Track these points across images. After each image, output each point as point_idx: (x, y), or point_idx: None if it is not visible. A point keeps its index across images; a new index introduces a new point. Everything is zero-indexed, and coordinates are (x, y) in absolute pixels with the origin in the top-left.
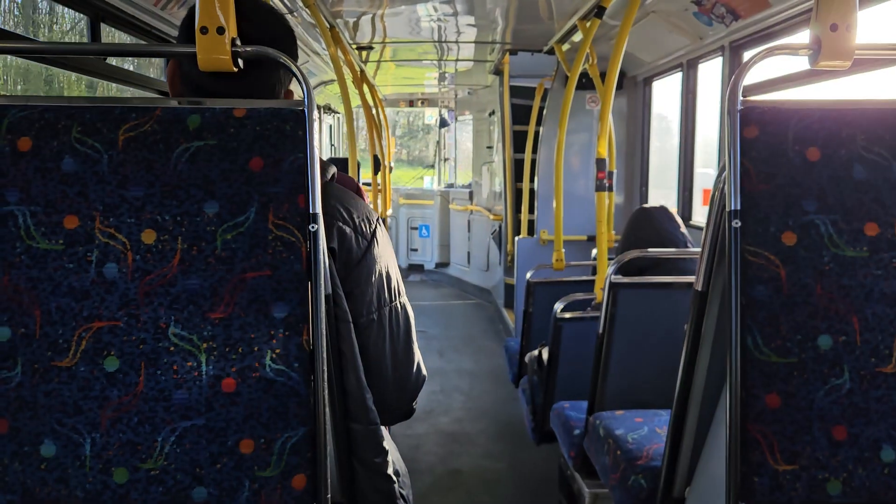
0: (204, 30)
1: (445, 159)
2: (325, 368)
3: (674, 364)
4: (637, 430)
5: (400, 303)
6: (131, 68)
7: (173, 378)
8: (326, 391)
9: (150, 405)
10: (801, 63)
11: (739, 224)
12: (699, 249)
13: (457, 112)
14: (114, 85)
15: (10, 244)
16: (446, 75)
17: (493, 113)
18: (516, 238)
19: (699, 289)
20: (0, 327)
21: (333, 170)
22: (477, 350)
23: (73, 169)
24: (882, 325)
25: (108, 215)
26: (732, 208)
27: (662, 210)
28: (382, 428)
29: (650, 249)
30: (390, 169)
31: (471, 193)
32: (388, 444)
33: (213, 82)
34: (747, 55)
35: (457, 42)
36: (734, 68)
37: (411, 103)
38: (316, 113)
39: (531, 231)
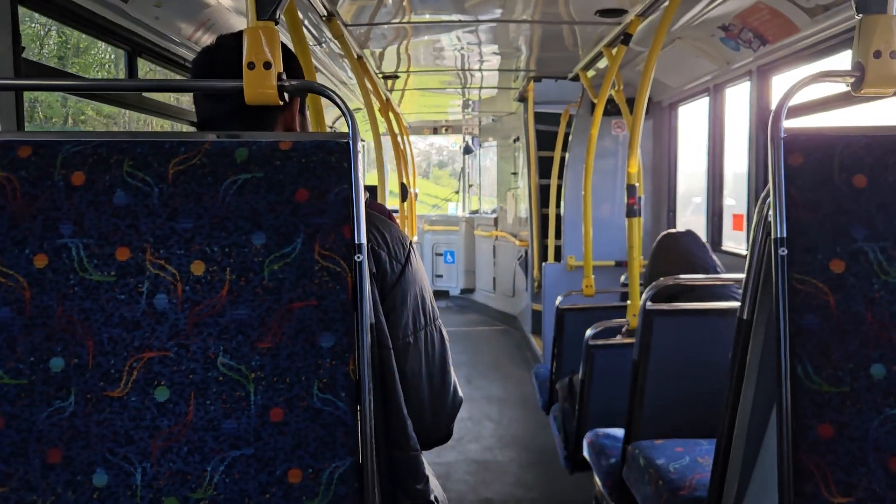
0: (251, 65)
1: (470, 185)
2: (371, 398)
3: (711, 392)
4: (679, 460)
5: (435, 326)
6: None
7: (222, 408)
8: (373, 420)
9: (200, 434)
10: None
11: (786, 252)
12: (736, 276)
13: (481, 138)
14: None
15: (65, 276)
16: (470, 102)
17: (517, 139)
18: (543, 264)
19: (744, 317)
20: (54, 358)
21: (367, 195)
22: (505, 377)
23: (125, 202)
24: None
25: (158, 247)
26: (778, 236)
27: (689, 234)
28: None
29: (686, 276)
30: (415, 196)
31: (496, 219)
32: (427, 470)
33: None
34: (777, 78)
35: (480, 70)
36: (762, 92)
37: (435, 130)
38: (360, 144)
39: (558, 257)
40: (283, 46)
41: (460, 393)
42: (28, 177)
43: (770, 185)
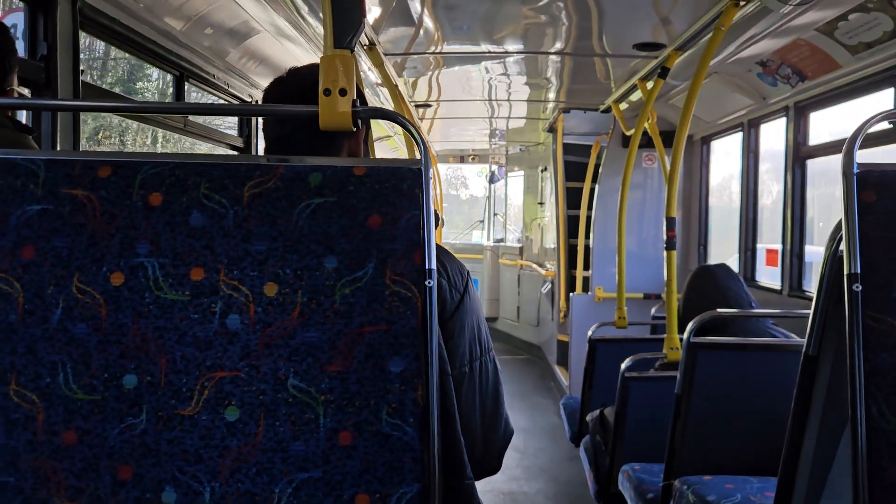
0: (327, 91)
1: (495, 214)
2: (438, 424)
3: (758, 428)
4: (730, 497)
5: (490, 357)
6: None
7: (291, 429)
8: (439, 447)
9: (269, 455)
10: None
11: (860, 288)
12: (775, 311)
13: (507, 168)
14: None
15: (140, 294)
16: (497, 131)
17: (545, 169)
18: (571, 294)
19: (810, 353)
20: (128, 375)
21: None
22: (531, 407)
23: (201, 223)
24: None
25: (232, 268)
26: (852, 272)
27: (724, 268)
28: None
29: (726, 310)
30: (443, 223)
31: (521, 248)
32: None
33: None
34: (815, 115)
35: (509, 100)
36: (798, 129)
37: (462, 159)
38: (432, 171)
39: (585, 288)
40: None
41: (511, 425)
42: (108, 196)
43: (843, 220)
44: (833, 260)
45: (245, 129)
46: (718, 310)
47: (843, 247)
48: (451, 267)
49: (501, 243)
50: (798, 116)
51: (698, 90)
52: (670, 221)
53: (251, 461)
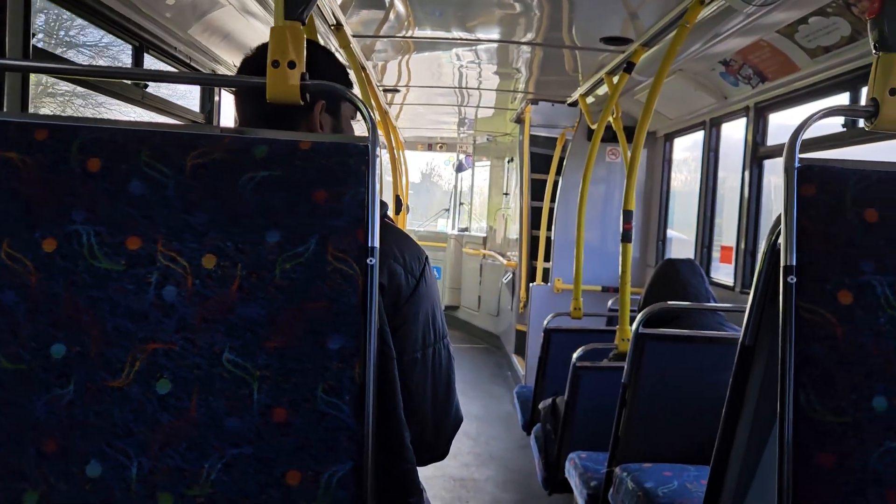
0: (275, 63)
1: (461, 203)
2: (374, 403)
3: (699, 418)
4: (667, 485)
5: (444, 343)
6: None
7: (225, 405)
8: (374, 426)
9: (201, 431)
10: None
11: (795, 280)
12: (726, 305)
13: (474, 157)
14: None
15: (73, 262)
16: (466, 120)
17: (511, 160)
18: (531, 285)
19: (746, 343)
20: (56, 344)
21: (386, 207)
22: (486, 395)
23: (141, 192)
24: None
25: (171, 239)
26: (788, 264)
27: (688, 263)
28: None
29: (677, 302)
30: (408, 209)
31: (485, 238)
32: (422, 485)
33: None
34: (775, 116)
35: (479, 89)
36: (758, 129)
37: (430, 147)
38: (378, 149)
39: (545, 279)
40: (342, 66)
41: (461, 411)
42: (44, 160)
43: (782, 213)
44: (771, 252)
45: (207, 104)
46: (668, 302)
47: (781, 240)
48: (409, 252)
49: (466, 232)
50: (757, 117)
51: (661, 86)
52: (627, 215)
53: (182, 436)
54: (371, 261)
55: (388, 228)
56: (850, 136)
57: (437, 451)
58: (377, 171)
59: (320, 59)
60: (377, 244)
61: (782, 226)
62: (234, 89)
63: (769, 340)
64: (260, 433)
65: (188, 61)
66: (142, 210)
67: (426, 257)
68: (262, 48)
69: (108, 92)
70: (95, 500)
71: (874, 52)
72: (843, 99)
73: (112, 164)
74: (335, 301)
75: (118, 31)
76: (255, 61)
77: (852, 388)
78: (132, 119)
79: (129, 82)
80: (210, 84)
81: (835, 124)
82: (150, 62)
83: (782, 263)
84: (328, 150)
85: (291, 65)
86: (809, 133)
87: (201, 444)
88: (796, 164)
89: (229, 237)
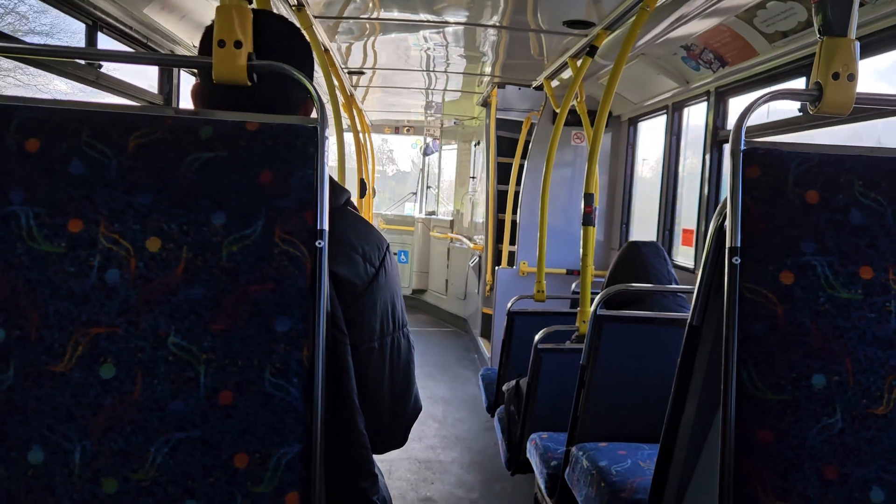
0: (221, 43)
1: (428, 187)
2: (323, 386)
3: (656, 399)
4: (621, 463)
5: (403, 333)
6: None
7: (170, 388)
8: (323, 409)
9: (145, 415)
10: (782, 112)
11: (739, 261)
12: (683, 286)
13: (441, 141)
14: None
15: (11, 245)
16: (433, 104)
17: (478, 143)
18: (496, 268)
19: (693, 323)
20: None
21: (348, 194)
22: (452, 378)
23: (81, 172)
24: (874, 367)
25: (113, 220)
26: (733, 245)
27: (652, 246)
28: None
29: (635, 284)
30: (374, 193)
31: (452, 222)
32: (377, 470)
33: (228, 95)
34: (735, 100)
35: (446, 72)
36: (718, 114)
37: (397, 130)
38: (328, 131)
39: (511, 262)
40: (303, 41)
41: (420, 401)
42: None
43: (728, 195)
44: (717, 234)
45: (166, 86)
46: (625, 285)
47: (727, 222)
48: (368, 242)
49: (433, 216)
50: (718, 101)
51: (621, 69)
52: (588, 198)
53: (126, 420)
54: (320, 243)
55: (349, 216)
56: (806, 120)
57: (395, 440)
58: (326, 153)
59: (283, 36)
60: (326, 227)
61: (728, 208)
62: (194, 72)
63: (715, 321)
64: (206, 416)
65: (145, 41)
66: (82, 191)
67: (387, 246)
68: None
69: (58, 72)
70: (38, 486)
71: (818, 36)
72: (800, 83)
73: (51, 144)
74: (282, 283)
75: (67, 8)
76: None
77: (791, 367)
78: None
79: (83, 62)
80: (156, 64)
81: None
82: (106, 42)
83: (727, 245)
84: (275, 131)
85: (238, 44)
86: (778, 116)
87: (145, 427)
88: (742, 147)
89: (173, 219)
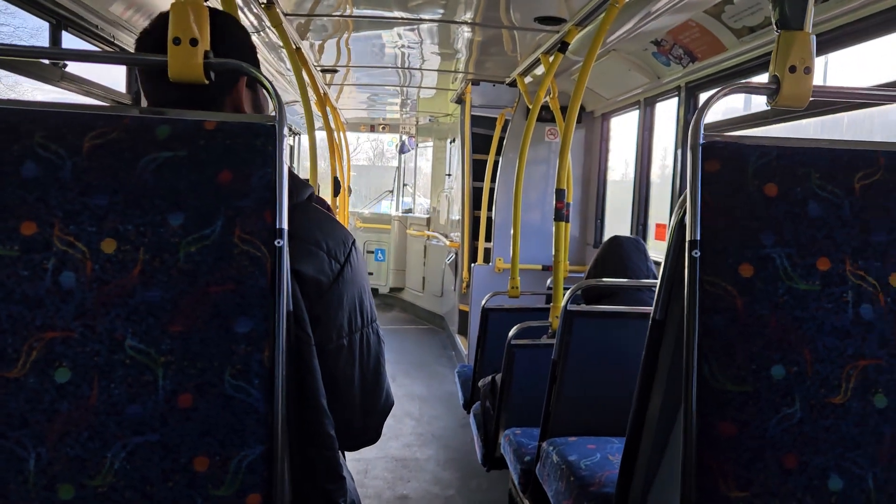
0: (177, 40)
1: (404, 185)
2: (284, 386)
3: (626, 393)
4: (590, 457)
5: (372, 328)
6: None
7: (127, 392)
8: (284, 410)
9: (102, 419)
10: (749, 108)
11: (699, 254)
12: (651, 281)
13: (417, 139)
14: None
15: None
16: (408, 101)
17: (453, 140)
18: (472, 265)
19: (656, 317)
20: None
21: (311, 190)
22: (429, 375)
23: (34, 174)
24: (832, 357)
25: (67, 223)
26: (693, 238)
27: (632, 240)
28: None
29: (605, 279)
30: (349, 191)
31: (428, 220)
32: (345, 472)
33: (171, 92)
34: (704, 95)
35: (420, 69)
36: (689, 109)
37: (372, 128)
38: (287, 129)
39: (487, 259)
40: (249, 39)
41: (392, 397)
42: None
43: (688, 189)
44: (679, 228)
45: (134, 85)
46: (593, 279)
47: (687, 216)
48: (332, 237)
49: (410, 214)
50: (688, 96)
51: (591, 65)
52: (559, 193)
53: (82, 425)
54: (279, 242)
55: (312, 212)
56: (774, 114)
57: (367, 437)
58: (285, 152)
59: (227, 33)
60: (286, 226)
61: (688, 202)
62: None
63: (678, 315)
64: (165, 420)
65: (112, 40)
66: (35, 193)
67: (353, 241)
68: (160, 20)
69: (28, 73)
70: None
71: (776, 30)
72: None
73: (3, 145)
74: (242, 284)
75: (31, 7)
76: (153, 36)
77: (751, 358)
78: (39, 100)
79: (47, 62)
80: (110, 62)
81: (762, 105)
82: (71, 41)
83: (687, 238)
84: (234, 130)
85: (193, 42)
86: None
87: (102, 432)
88: (701, 141)
89: (130, 220)
